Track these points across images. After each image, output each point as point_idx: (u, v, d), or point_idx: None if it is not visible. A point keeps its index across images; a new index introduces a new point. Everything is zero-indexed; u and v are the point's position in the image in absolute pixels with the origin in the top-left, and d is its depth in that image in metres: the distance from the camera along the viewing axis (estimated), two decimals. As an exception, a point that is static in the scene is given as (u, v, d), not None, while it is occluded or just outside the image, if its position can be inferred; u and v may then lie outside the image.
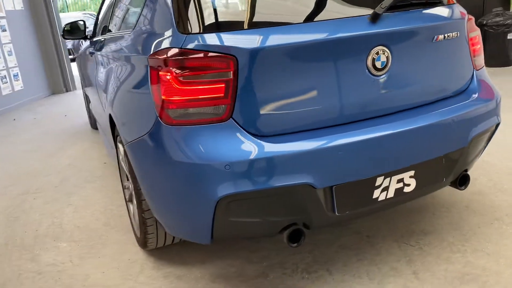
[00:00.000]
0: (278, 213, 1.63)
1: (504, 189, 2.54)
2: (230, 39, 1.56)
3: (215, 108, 1.56)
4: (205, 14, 1.66)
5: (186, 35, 1.59)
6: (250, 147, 1.54)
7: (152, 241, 2.06)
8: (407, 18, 1.77)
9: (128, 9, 2.42)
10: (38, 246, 2.40)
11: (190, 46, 1.57)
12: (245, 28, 1.63)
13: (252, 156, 1.52)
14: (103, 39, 2.78)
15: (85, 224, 2.60)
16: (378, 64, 1.69)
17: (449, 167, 1.87)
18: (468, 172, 2.01)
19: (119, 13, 2.67)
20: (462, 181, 1.98)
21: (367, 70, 1.68)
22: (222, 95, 1.55)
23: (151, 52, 1.68)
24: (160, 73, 1.61)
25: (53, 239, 2.46)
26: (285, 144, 1.57)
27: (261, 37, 1.58)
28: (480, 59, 2.06)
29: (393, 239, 2.15)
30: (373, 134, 1.64)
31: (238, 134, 1.56)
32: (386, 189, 1.73)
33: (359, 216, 1.82)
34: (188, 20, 1.65)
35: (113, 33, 2.58)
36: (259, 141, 1.56)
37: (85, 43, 3.98)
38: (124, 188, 2.47)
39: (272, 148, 1.55)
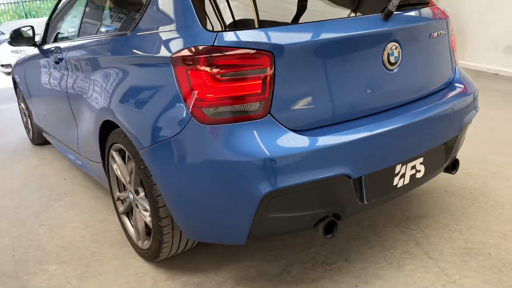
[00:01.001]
0: (316, 206, 1.66)
1: (471, 173, 2.82)
2: (265, 36, 1.57)
3: (252, 105, 1.55)
4: (233, 11, 1.66)
5: (215, 32, 1.57)
6: (292, 142, 1.56)
7: (166, 250, 1.97)
8: (409, 17, 1.91)
9: (114, 11, 2.30)
10: (22, 271, 2.17)
11: (223, 43, 1.55)
12: (273, 25, 1.65)
13: (295, 151, 1.54)
14: (74, 44, 2.59)
15: (69, 243, 2.40)
16: (392, 59, 1.80)
17: (447, 154, 2.05)
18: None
19: (96, 16, 2.53)
20: (453, 165, 2.17)
21: (383, 65, 1.78)
22: (260, 91, 1.55)
23: (175, 51, 1.63)
24: (191, 71, 1.56)
25: (38, 263, 2.23)
26: (323, 137, 1.61)
27: (294, 33, 1.61)
28: (456, 55, 2.28)
29: (393, 226, 2.28)
30: (394, 125, 1.75)
31: (277, 130, 1.57)
32: (403, 176, 1.85)
33: (380, 203, 1.91)
34: (217, 17, 1.62)
35: (94, 36, 2.43)
36: (299, 135, 1.59)
37: (29, 51, 3.67)
38: (116, 200, 2.32)
39: (312, 141, 1.58)
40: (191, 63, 1.57)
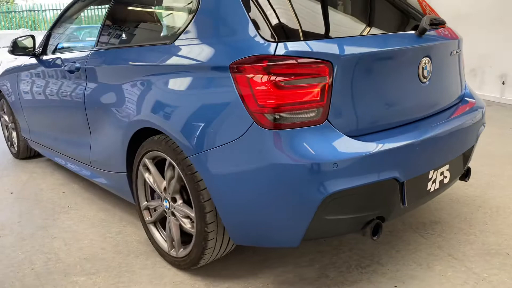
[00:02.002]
0: (367, 208, 1.75)
1: (469, 183, 3.03)
2: (324, 46, 1.67)
3: (312, 111, 1.64)
4: (289, 21, 1.75)
5: (275, 42, 1.65)
6: (351, 146, 1.65)
7: (207, 256, 1.97)
8: (434, 35, 2.09)
9: (146, 20, 2.32)
10: (48, 284, 2.09)
11: (284, 52, 1.63)
12: (327, 37, 1.75)
13: (354, 155, 1.64)
14: (95, 53, 2.57)
15: (90, 255, 2.33)
16: (425, 73, 1.96)
17: (464, 162, 2.22)
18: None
19: (122, 25, 2.53)
20: (466, 173, 2.34)
21: (418, 77, 1.93)
22: (319, 98, 1.64)
23: (234, 59, 1.69)
24: (253, 79, 1.63)
25: (63, 275, 2.16)
26: (376, 143, 1.71)
27: (348, 45, 1.72)
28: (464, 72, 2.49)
29: (412, 231, 2.41)
30: (433, 133, 1.89)
31: (335, 135, 1.66)
32: (434, 181, 1.98)
33: (416, 207, 2.03)
34: (275, 27, 1.70)
35: (122, 45, 2.42)
36: (356, 140, 1.68)
37: (23, 61, 3.57)
38: (143, 209, 2.30)
39: (368, 146, 1.68)
40: (253, 71, 1.64)
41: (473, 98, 2.37)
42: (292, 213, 1.67)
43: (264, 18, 1.72)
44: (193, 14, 1.95)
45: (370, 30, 1.91)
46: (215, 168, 1.76)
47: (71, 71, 2.73)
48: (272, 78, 1.61)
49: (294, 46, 1.65)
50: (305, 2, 1.84)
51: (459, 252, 2.18)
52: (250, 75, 1.65)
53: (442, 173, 2.02)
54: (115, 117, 2.32)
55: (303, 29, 1.75)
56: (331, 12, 1.89)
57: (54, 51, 3.28)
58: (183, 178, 1.92)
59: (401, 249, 2.24)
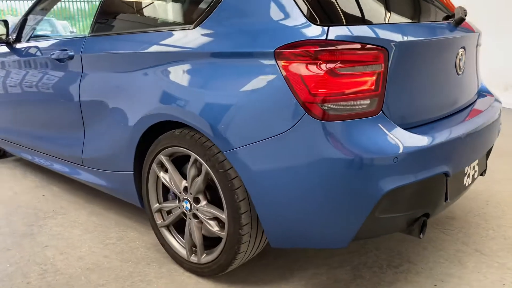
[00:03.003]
0: (418, 205, 1.66)
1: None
2: (378, 32, 1.56)
3: (367, 101, 1.52)
4: (343, 6, 1.62)
5: (325, 26, 1.52)
6: (409, 140, 1.55)
7: (237, 261, 1.81)
8: (465, 27, 2.04)
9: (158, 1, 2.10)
10: (51, 300, 1.83)
11: (336, 37, 1.50)
12: (377, 22, 1.65)
13: (414, 148, 1.54)
14: (94, 39, 2.30)
15: (94, 264, 2.08)
16: (461, 64, 1.90)
17: (485, 158, 2.20)
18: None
19: (124, 8, 2.29)
20: (484, 169, 2.33)
21: (455, 68, 1.87)
22: (373, 87, 1.53)
23: (280, 45, 1.54)
24: (304, 65, 1.49)
25: (67, 288, 1.90)
26: (430, 136, 1.62)
27: (400, 32, 1.62)
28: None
29: (432, 227, 2.36)
30: (474, 126, 1.83)
31: (391, 127, 1.56)
32: (468, 176, 1.93)
33: (453, 202, 1.97)
34: (322, 10, 1.58)
35: (129, 30, 2.18)
36: (412, 133, 1.59)
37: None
38: (154, 212, 2.09)
39: (425, 139, 1.59)
40: (303, 57, 1.50)
41: (489, 92, 2.36)
42: (346, 212, 1.54)
43: (313, 2, 1.58)
44: None
45: (412, 17, 1.83)
46: (257, 164, 1.59)
47: (60, 60, 2.45)
48: (327, 64, 1.48)
49: (346, 30, 1.52)
50: None
51: (486, 248, 2.15)
52: (299, 62, 1.50)
53: (474, 168, 1.98)
54: (122, 110, 2.09)
55: (352, 13, 1.64)
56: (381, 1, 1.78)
57: (30, 39, 2.95)
58: (213, 176, 1.74)
59: (427, 246, 2.18)
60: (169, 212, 2.07)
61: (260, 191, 1.62)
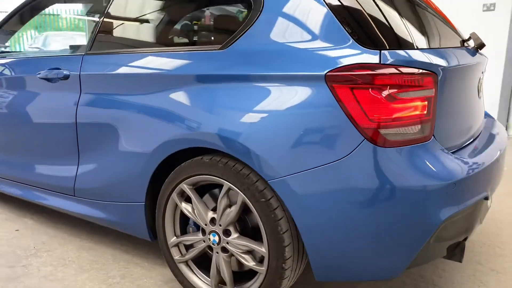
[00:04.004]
0: (463, 231, 1.65)
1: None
2: (428, 56, 1.55)
3: (420, 127, 1.50)
4: (392, 29, 1.59)
5: (378, 50, 1.48)
6: (461, 165, 1.56)
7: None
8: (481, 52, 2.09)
9: (176, 19, 1.95)
10: None
11: (390, 61, 1.47)
12: (421, 47, 1.64)
13: (468, 173, 1.54)
14: (96, 57, 2.09)
15: (103, 309, 1.86)
16: (480, 88, 1.95)
17: None
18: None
19: (134, 26, 2.11)
20: None
21: (477, 92, 1.92)
22: (426, 112, 1.51)
23: (331, 68, 1.48)
24: (359, 90, 1.45)
25: None
26: (474, 160, 1.63)
27: (443, 57, 1.63)
28: None
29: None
30: (499, 150, 1.87)
31: (443, 153, 1.55)
32: (490, 199, 1.96)
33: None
34: (372, 34, 1.53)
35: (139, 49, 2.00)
36: (463, 158, 1.58)
37: None
38: (171, 247, 1.91)
39: (473, 164, 1.59)
40: (359, 80, 1.45)
41: (490, 116, 2.45)
42: (405, 241, 1.49)
43: (356, 23, 1.54)
44: (257, 12, 1.67)
45: (439, 43, 1.85)
46: (308, 193, 1.50)
47: (51, 80, 2.21)
48: (384, 89, 1.44)
49: (400, 55, 1.49)
50: (388, 11, 1.70)
51: (500, 266, 2.20)
52: (354, 86, 1.45)
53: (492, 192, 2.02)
54: (135, 136, 1.90)
55: (401, 37, 1.61)
56: (413, 23, 1.78)
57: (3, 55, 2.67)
58: (251, 207, 1.62)
59: (445, 268, 2.18)
60: (188, 247, 1.90)
61: (311, 221, 1.53)
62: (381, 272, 1.58)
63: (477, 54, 1.94)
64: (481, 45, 1.94)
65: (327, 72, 1.48)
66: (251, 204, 1.62)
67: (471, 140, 1.88)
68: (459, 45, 1.94)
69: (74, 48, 2.91)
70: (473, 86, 1.87)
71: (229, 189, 1.68)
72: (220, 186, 1.80)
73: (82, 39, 8.87)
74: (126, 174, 1.97)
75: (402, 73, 1.46)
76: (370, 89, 1.44)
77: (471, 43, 2.02)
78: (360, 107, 1.44)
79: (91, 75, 2.07)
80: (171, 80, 1.80)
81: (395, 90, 1.44)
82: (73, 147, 2.18)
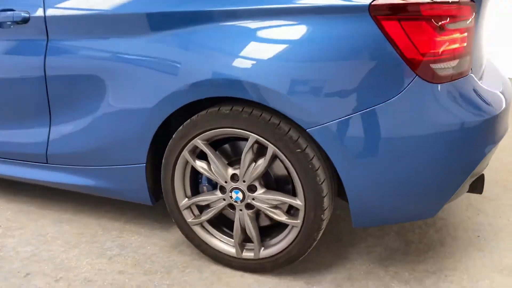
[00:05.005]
0: (486, 165, 1.65)
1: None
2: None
3: (464, 60, 1.44)
4: None
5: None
6: (498, 97, 1.58)
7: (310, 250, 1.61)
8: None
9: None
10: None
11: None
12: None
13: (504, 105, 1.55)
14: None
15: (115, 285, 1.65)
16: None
17: None
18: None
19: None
20: None
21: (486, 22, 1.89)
22: (466, 45, 1.44)
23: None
24: (408, 22, 1.33)
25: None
26: (500, 92, 1.62)
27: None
28: None
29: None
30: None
31: (481, 86, 1.52)
32: None
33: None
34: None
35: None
36: (493, 91, 1.57)
37: None
38: (183, 209, 1.72)
39: (502, 96, 1.58)
40: (406, 12, 1.32)
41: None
42: (449, 177, 1.46)
43: None
44: None
45: None
46: (354, 138, 1.39)
47: (1, 25, 1.79)
48: (434, 20, 1.33)
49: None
50: None
51: (491, 193, 2.30)
52: (402, 18, 1.33)
53: None
54: (131, 88, 1.63)
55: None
56: None
57: None
58: (284, 158, 1.49)
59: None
60: (203, 207, 1.73)
61: (355, 169, 1.43)
62: (420, 213, 1.56)
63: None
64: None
65: (371, 2, 1.33)
66: (284, 156, 1.48)
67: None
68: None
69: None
70: (486, 14, 1.83)
71: (257, 141, 1.51)
72: (234, 140, 1.65)
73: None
74: (121, 134, 1.71)
75: (447, 2, 1.36)
76: (419, 21, 1.32)
77: None
78: (410, 41, 1.32)
79: (61, 17, 1.71)
80: (184, 18, 1.53)
81: (443, 21, 1.34)
82: (43, 106, 1.84)
